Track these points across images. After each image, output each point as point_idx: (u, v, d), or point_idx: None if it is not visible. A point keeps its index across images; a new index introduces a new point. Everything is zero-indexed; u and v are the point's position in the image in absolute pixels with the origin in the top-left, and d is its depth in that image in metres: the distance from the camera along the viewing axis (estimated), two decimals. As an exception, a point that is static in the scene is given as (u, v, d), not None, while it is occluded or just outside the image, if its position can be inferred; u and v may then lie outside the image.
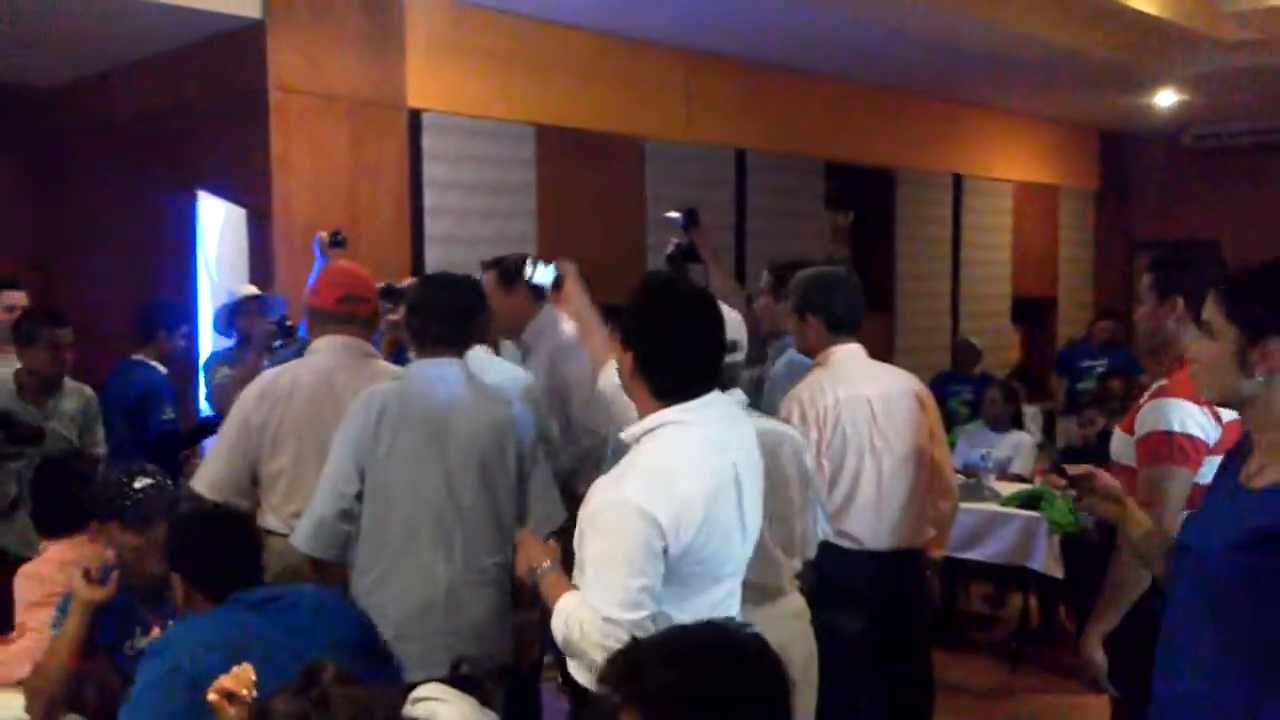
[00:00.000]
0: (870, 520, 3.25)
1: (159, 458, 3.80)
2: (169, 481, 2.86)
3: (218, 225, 5.63)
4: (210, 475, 3.11)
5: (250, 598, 2.34)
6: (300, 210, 5.47)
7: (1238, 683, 1.82)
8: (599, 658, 1.94)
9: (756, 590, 2.53)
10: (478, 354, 3.22)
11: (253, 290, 5.21)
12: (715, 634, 1.45)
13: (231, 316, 5.16)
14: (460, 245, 5.93)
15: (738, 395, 2.68)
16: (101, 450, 4.41)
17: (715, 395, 2.22)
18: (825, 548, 3.01)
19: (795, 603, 2.83)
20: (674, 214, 4.52)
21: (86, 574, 2.58)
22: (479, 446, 2.85)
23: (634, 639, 1.44)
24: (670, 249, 4.56)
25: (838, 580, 3.11)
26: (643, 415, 2.20)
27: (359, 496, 2.76)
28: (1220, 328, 1.91)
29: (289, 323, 4.13)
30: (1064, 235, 10.62)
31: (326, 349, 3.20)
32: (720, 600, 2.19)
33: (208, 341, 5.54)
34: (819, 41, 6.91)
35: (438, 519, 2.79)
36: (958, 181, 9.33)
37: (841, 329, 3.32)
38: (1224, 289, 1.94)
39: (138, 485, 2.77)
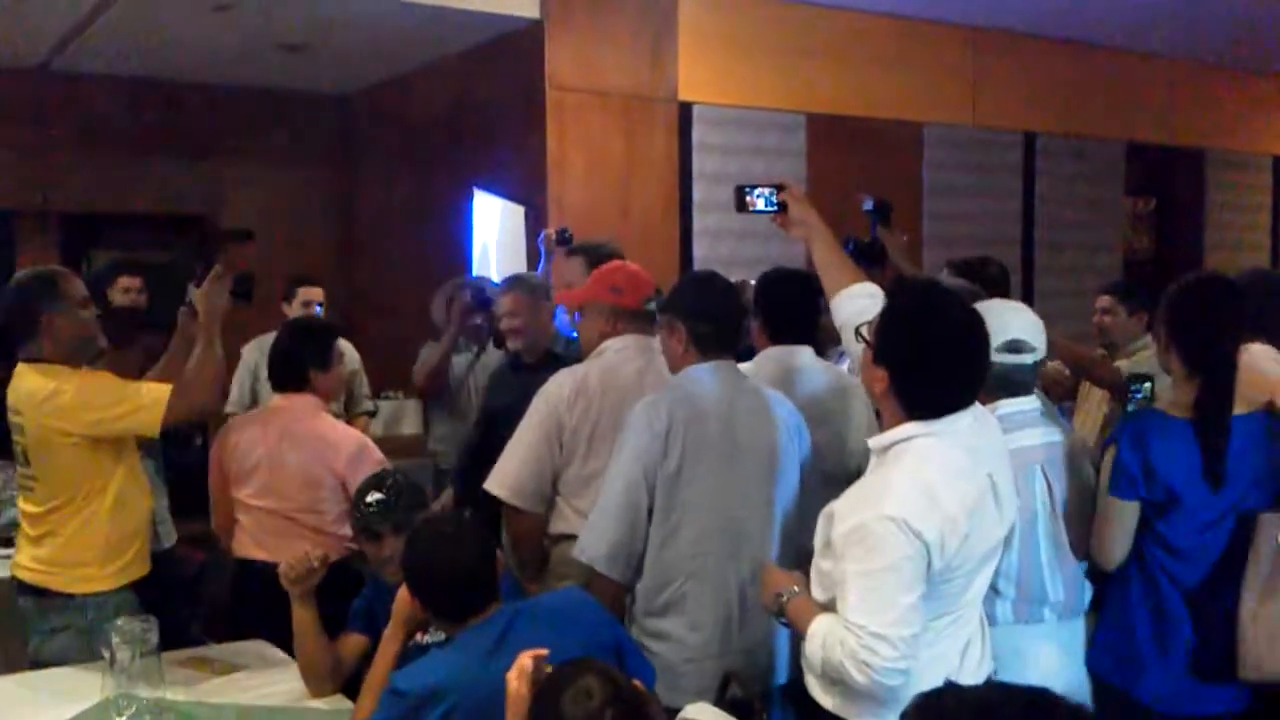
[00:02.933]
0: None
1: None
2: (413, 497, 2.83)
3: (496, 222, 5.80)
4: (511, 480, 3.01)
5: (487, 638, 2.21)
6: (573, 206, 5.55)
7: None
8: (862, 678, 1.91)
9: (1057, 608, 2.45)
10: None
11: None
12: (1038, 700, 1.25)
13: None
14: (728, 240, 5.84)
15: (1033, 398, 2.54)
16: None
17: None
18: None
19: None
20: (867, 202, 4.07)
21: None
22: (766, 455, 2.72)
23: (945, 685, 1.29)
24: (848, 245, 3.96)
25: None
26: (888, 424, 2.10)
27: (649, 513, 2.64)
28: None
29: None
30: None
31: (634, 348, 3.09)
32: (964, 615, 2.11)
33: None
34: (1118, 13, 6.34)
35: (728, 532, 2.66)
36: (1278, 164, 8.38)
37: None
38: None
39: (369, 500, 2.75)
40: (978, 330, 2.08)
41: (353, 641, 2.78)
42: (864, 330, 2.15)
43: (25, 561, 3.00)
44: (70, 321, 2.92)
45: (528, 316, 3.76)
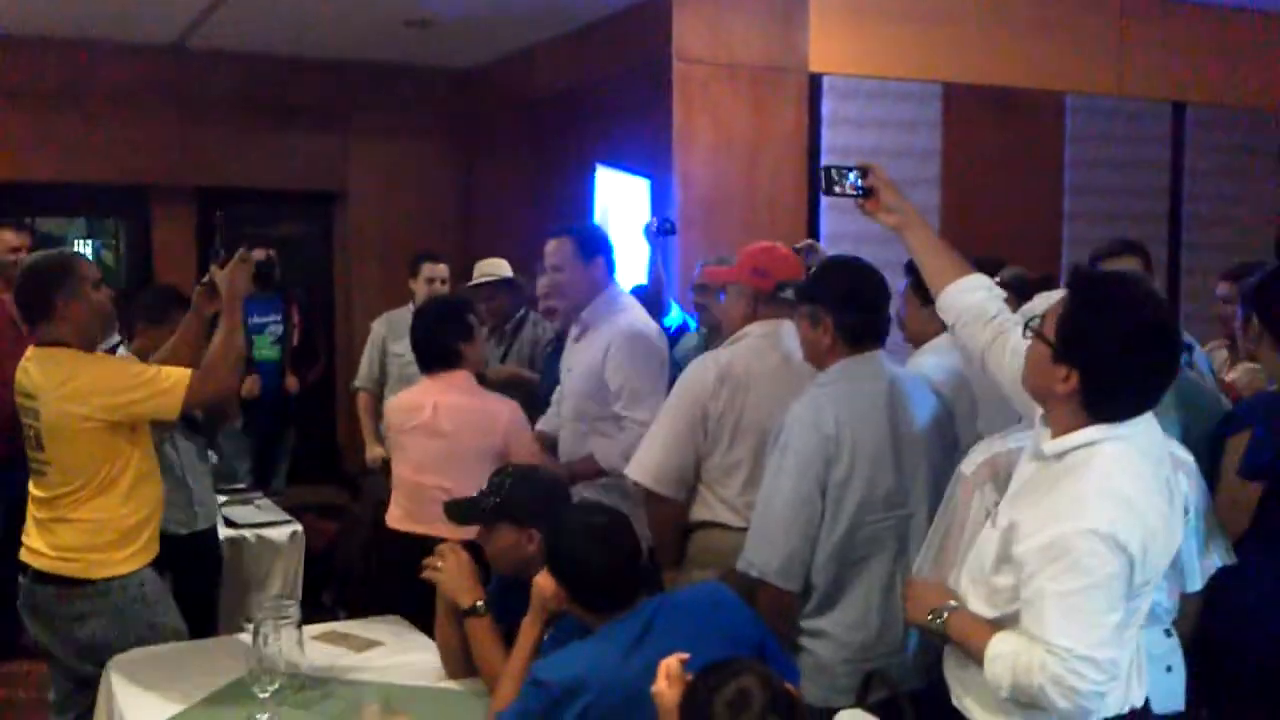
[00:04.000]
0: None
1: None
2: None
3: (618, 197, 5.72)
4: (654, 465, 2.94)
5: (630, 633, 2.15)
6: (699, 181, 5.44)
7: None
8: (1066, 703, 1.79)
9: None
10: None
11: (507, 273, 5.05)
12: None
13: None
14: (858, 215, 5.62)
15: None
16: None
17: None
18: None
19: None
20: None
21: None
22: (926, 449, 2.60)
23: None
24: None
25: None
26: (1061, 427, 1.92)
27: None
28: None
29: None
30: None
31: (775, 334, 2.99)
32: (1136, 629, 1.95)
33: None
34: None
35: (895, 531, 2.55)
36: None
37: None
38: None
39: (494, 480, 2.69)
40: (1173, 322, 1.93)
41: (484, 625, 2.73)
42: (1039, 325, 1.97)
43: (40, 548, 2.91)
44: (85, 305, 2.88)
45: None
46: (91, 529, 2.87)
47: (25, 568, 2.95)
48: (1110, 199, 6.32)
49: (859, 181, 2.35)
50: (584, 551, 2.21)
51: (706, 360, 2.99)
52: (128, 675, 2.71)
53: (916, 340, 3.21)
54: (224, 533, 3.99)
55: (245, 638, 2.68)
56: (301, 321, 6.11)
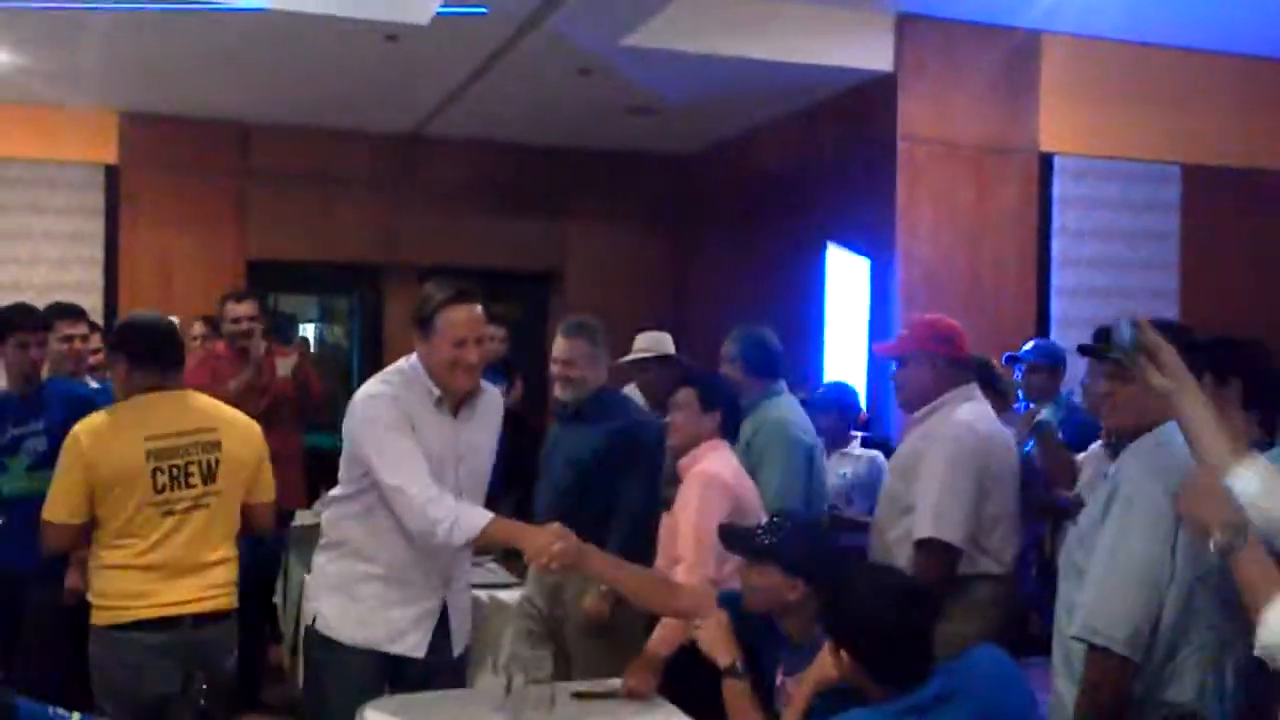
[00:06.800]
0: None
1: None
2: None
3: (843, 276, 5.69)
4: (956, 524, 3.00)
5: (923, 698, 2.06)
6: (921, 260, 5.36)
7: None
8: None
9: None
10: None
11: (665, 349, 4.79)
12: None
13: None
14: (1091, 298, 5.46)
15: None
16: None
17: None
18: None
19: None
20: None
21: None
22: None
23: None
24: None
25: None
26: None
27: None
28: None
29: None
30: None
31: (976, 397, 3.21)
32: None
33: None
34: None
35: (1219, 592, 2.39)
36: None
37: None
38: None
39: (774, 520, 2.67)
40: None
41: (742, 688, 2.66)
42: None
43: (223, 583, 2.91)
44: None
45: (585, 367, 3.51)
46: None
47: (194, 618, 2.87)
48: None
49: (1131, 338, 2.03)
50: (878, 613, 2.11)
51: (957, 424, 3.14)
52: (387, 717, 2.75)
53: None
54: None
55: (494, 690, 2.69)
56: (522, 393, 6.26)
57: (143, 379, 2.87)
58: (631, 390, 5.15)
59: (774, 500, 3.38)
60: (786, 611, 2.46)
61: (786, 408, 3.70)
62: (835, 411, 4.56)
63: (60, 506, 2.81)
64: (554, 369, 3.52)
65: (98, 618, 2.83)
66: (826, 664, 2.21)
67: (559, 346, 3.52)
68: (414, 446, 2.65)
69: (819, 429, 4.28)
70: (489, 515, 2.66)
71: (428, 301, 2.70)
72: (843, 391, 4.76)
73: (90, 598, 2.89)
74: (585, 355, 3.50)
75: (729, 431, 3.25)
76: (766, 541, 2.53)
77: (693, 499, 3.00)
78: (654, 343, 4.92)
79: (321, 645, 2.78)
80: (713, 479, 3.05)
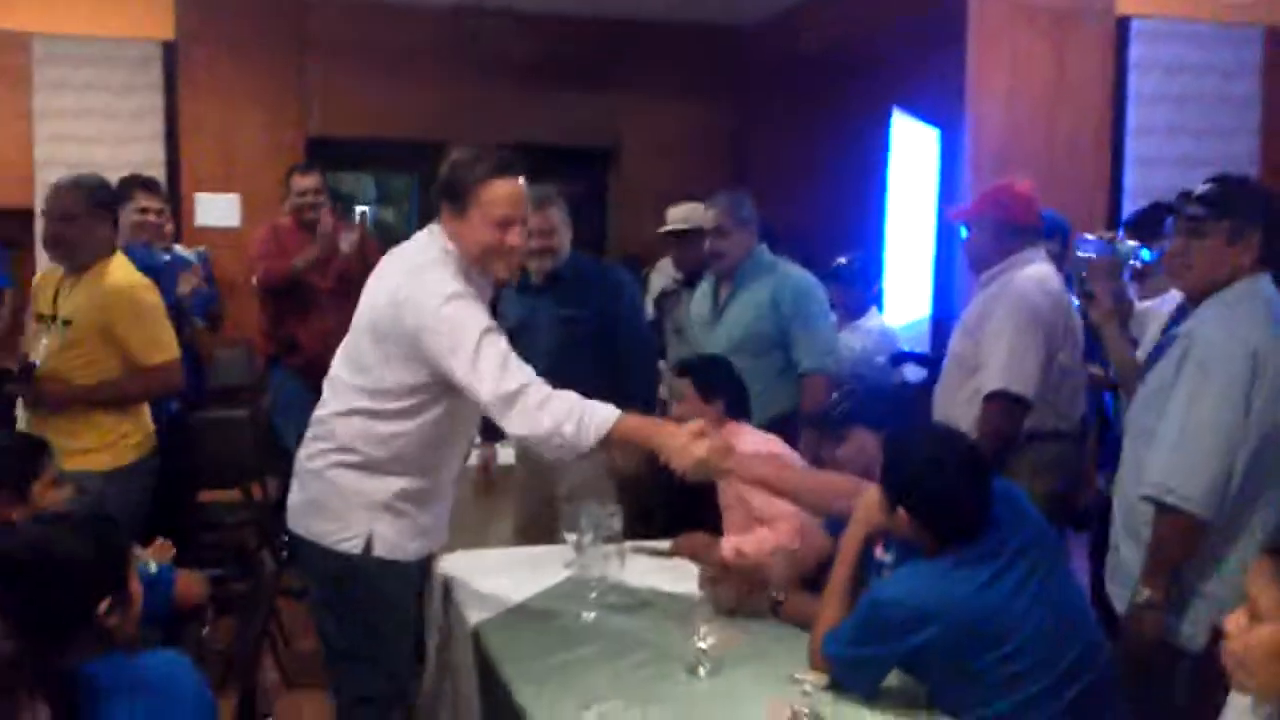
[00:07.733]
0: None
1: None
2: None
3: (909, 146, 5.57)
4: (1027, 376, 3.01)
5: (983, 564, 2.06)
6: (992, 131, 5.21)
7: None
8: None
9: None
10: None
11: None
12: None
13: None
14: (1166, 167, 5.29)
15: None
16: None
17: None
18: None
19: None
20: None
21: None
22: None
23: None
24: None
25: None
26: None
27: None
28: None
29: None
30: None
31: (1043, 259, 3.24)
32: None
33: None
34: None
35: None
36: None
37: None
38: None
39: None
40: None
41: None
42: None
43: None
44: None
45: (564, 234, 3.55)
46: None
47: None
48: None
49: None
50: (939, 482, 2.11)
51: (1031, 284, 3.13)
52: (461, 572, 2.85)
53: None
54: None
55: (568, 547, 2.76)
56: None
57: None
58: (665, 264, 5.16)
59: (822, 355, 3.66)
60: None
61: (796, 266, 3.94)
62: (858, 284, 4.64)
63: None
64: (532, 243, 3.27)
65: None
66: (873, 509, 2.23)
67: (536, 219, 3.29)
68: (509, 346, 2.36)
69: (838, 301, 4.36)
70: (616, 411, 2.32)
71: (465, 170, 2.37)
72: (865, 263, 4.79)
73: None
74: (563, 223, 3.56)
75: (741, 414, 3.07)
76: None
77: (759, 470, 2.61)
78: (688, 214, 4.84)
79: (380, 569, 2.47)
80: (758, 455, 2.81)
